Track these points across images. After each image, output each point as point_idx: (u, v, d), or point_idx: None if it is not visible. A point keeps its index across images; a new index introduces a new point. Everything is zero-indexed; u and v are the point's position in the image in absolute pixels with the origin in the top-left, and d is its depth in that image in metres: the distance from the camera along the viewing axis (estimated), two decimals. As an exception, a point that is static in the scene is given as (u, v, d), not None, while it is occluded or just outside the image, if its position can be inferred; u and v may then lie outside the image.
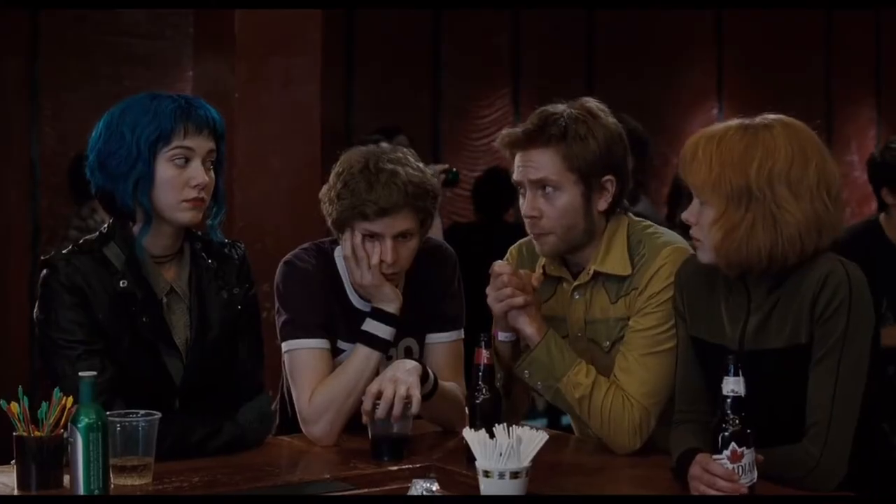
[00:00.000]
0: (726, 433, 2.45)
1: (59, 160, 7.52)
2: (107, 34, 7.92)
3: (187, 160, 2.87)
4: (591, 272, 3.06)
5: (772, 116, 2.77)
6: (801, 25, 11.20)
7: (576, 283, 3.09)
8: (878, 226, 4.93)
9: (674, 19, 10.37)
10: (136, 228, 2.92)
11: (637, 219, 3.16)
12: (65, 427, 2.57)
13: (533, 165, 3.01)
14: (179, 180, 2.87)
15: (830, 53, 11.74)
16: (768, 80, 10.53)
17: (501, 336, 3.04)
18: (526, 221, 3.06)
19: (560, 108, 3.04)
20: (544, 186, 3.01)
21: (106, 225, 2.98)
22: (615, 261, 3.05)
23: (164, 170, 2.87)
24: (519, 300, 2.96)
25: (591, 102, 3.07)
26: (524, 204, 3.05)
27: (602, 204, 3.04)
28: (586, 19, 10.20)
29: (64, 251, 2.93)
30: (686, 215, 2.77)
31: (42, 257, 2.97)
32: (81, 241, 2.96)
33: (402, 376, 2.94)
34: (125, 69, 7.95)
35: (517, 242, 3.28)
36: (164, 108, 2.87)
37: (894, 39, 12.02)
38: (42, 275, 2.89)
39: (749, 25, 10.94)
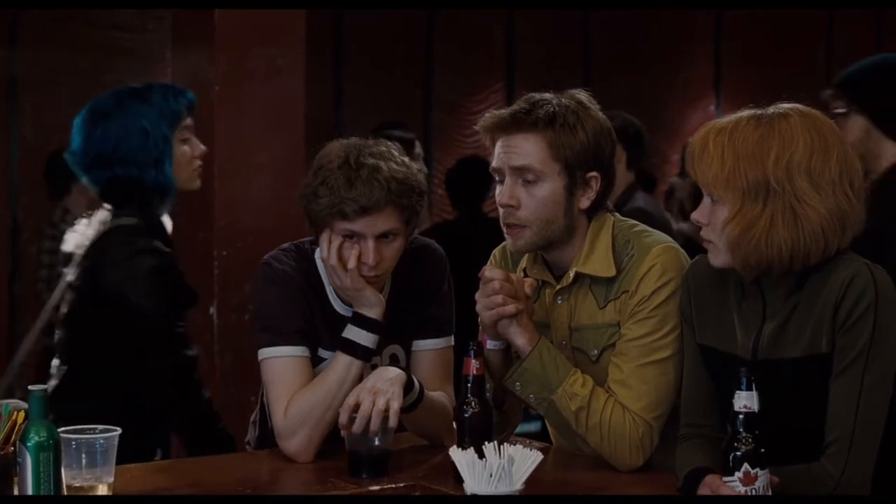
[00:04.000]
0: (738, 453, 2.24)
1: (39, 156, 7.31)
2: (87, 26, 7.74)
3: (187, 138, 3.50)
4: (573, 275, 2.86)
5: (786, 105, 2.55)
6: (801, 21, 11.16)
7: (558, 287, 2.89)
8: None
9: (672, 15, 10.26)
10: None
11: (623, 218, 2.96)
12: (14, 444, 2.37)
13: (516, 151, 2.82)
14: (190, 155, 3.52)
15: (831, 49, 11.70)
16: (767, 76, 10.40)
17: (490, 344, 2.83)
18: (501, 212, 2.86)
19: (548, 96, 2.86)
20: (526, 175, 2.81)
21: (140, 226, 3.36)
22: (598, 262, 2.85)
23: (178, 148, 3.47)
24: (510, 308, 2.75)
25: (582, 94, 2.89)
26: (501, 192, 2.84)
27: (584, 202, 2.85)
28: (583, 14, 10.08)
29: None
30: (696, 215, 2.56)
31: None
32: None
33: (383, 386, 2.73)
34: (106, 62, 7.78)
35: (501, 244, 3.08)
36: (167, 95, 3.44)
37: (895, 34, 12.00)
38: None
39: (749, 21, 10.89)
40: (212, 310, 4.66)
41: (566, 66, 9.77)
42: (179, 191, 3.53)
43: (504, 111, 2.85)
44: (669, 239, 2.88)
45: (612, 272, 2.83)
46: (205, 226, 4.68)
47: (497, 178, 2.86)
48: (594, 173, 2.86)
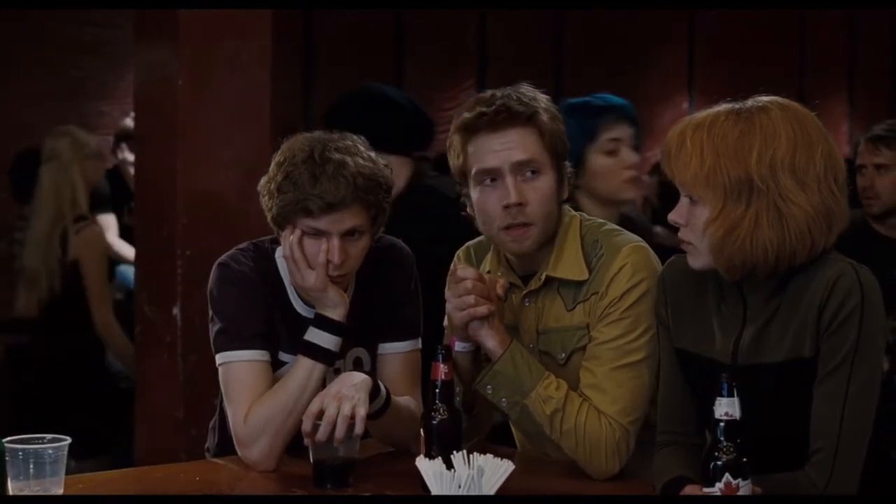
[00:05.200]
0: (719, 462, 2.13)
1: (3, 154, 7.15)
2: (53, 20, 7.58)
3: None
4: (543, 278, 2.75)
5: (765, 98, 2.44)
6: (774, 20, 11.12)
7: (527, 290, 2.78)
8: (863, 219, 4.64)
9: (645, 11, 10.19)
10: None
11: (590, 217, 2.86)
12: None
13: (515, 146, 2.70)
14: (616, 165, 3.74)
15: (803, 48, 11.69)
16: (740, 74, 10.36)
17: (458, 346, 2.71)
18: (504, 213, 2.70)
19: (507, 90, 2.74)
20: (527, 169, 2.70)
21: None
22: (569, 264, 2.74)
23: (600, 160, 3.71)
24: (483, 310, 2.64)
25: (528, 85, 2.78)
26: (505, 192, 2.69)
27: (564, 194, 2.77)
28: (555, 11, 10.00)
29: None
30: (674, 216, 2.44)
31: None
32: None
33: (348, 392, 2.61)
34: (73, 57, 7.64)
35: (465, 245, 2.98)
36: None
37: (867, 34, 12.04)
38: None
39: (722, 18, 10.84)
40: (175, 310, 4.54)
41: (538, 62, 9.69)
42: (612, 200, 3.68)
43: (490, 108, 2.70)
44: (639, 238, 2.78)
45: (584, 275, 2.73)
46: (167, 223, 4.56)
47: (488, 180, 2.72)
48: (568, 164, 2.79)
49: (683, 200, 2.42)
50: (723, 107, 2.43)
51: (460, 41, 9.63)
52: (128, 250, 6.64)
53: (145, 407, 4.75)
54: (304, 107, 8.67)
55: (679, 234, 2.44)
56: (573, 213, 2.83)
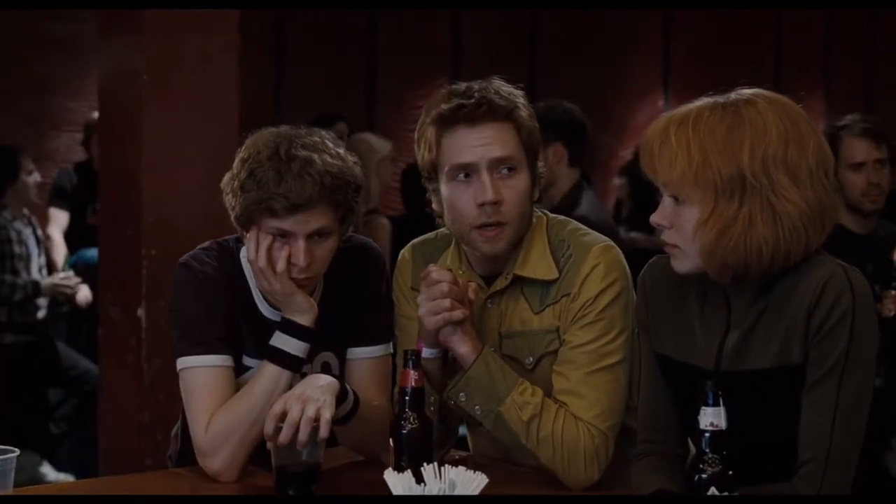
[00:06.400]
0: (704, 475, 2.02)
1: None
2: (18, 16, 7.45)
3: None
4: (511, 277, 2.64)
5: (748, 91, 2.32)
6: (750, 17, 11.07)
7: (491, 291, 2.66)
8: None
9: (620, 11, 10.14)
10: None
11: (554, 215, 2.75)
12: None
13: (493, 141, 2.58)
14: None
15: (780, 46, 11.67)
16: (716, 72, 10.27)
17: (426, 352, 2.59)
18: (478, 212, 2.58)
19: (483, 83, 2.63)
20: (504, 167, 2.59)
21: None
22: (537, 263, 2.63)
23: None
24: (458, 314, 2.53)
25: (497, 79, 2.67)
26: (480, 189, 2.57)
27: (536, 194, 2.66)
28: (530, 10, 9.94)
29: None
30: (657, 218, 2.32)
31: None
32: None
33: (313, 394, 2.48)
34: (38, 53, 7.52)
35: (410, 244, 2.86)
36: None
37: (844, 33, 12.06)
38: None
39: (697, 16, 10.79)
40: (140, 312, 4.45)
41: (512, 61, 9.61)
42: None
43: (463, 101, 2.58)
44: (607, 238, 2.67)
45: (553, 274, 2.62)
46: (132, 223, 4.46)
47: (461, 176, 2.60)
48: (541, 163, 2.69)
49: (667, 201, 2.30)
50: (706, 101, 2.32)
51: (433, 40, 9.54)
52: (60, 249, 6.62)
53: (109, 411, 4.66)
54: (274, 103, 8.56)
55: (663, 236, 2.32)
56: (538, 212, 2.72)
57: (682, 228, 2.27)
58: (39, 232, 6.49)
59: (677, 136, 2.25)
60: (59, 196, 6.97)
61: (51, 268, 6.58)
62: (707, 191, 2.22)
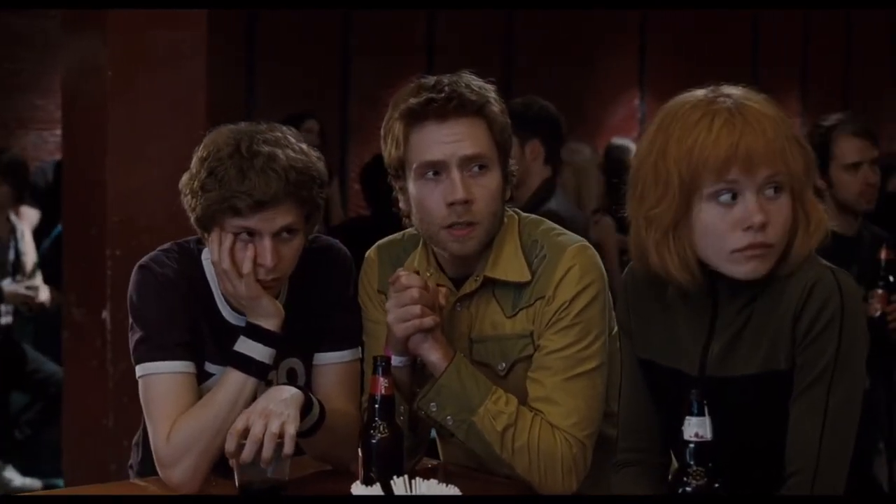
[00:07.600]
0: (689, 488, 1.93)
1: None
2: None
3: None
4: (481, 279, 2.53)
5: (729, 88, 2.20)
6: (726, 18, 11.04)
7: (460, 294, 2.56)
8: None
9: (596, 8, 10.10)
10: None
11: (526, 214, 2.64)
12: None
13: (464, 138, 2.47)
14: None
15: (756, 46, 11.65)
16: (692, 70, 10.22)
17: (395, 360, 2.48)
18: (448, 211, 2.48)
19: (453, 77, 2.52)
20: (475, 164, 2.49)
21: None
22: (509, 265, 2.52)
23: None
24: (429, 321, 2.43)
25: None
26: (450, 188, 2.47)
27: (508, 193, 2.56)
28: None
29: None
30: (753, 217, 2.11)
31: None
32: None
33: (276, 408, 2.37)
34: (5, 50, 7.43)
35: (375, 245, 2.76)
36: None
37: (821, 32, 12.05)
38: None
39: (674, 14, 10.75)
40: (104, 314, 4.34)
41: (487, 57, 9.54)
42: None
43: (433, 95, 2.48)
44: (581, 238, 2.57)
45: (526, 276, 2.51)
46: (96, 222, 4.35)
47: (430, 174, 2.50)
48: (513, 160, 2.58)
49: (749, 196, 2.12)
50: (696, 93, 2.19)
51: (408, 37, 9.47)
52: (30, 249, 6.49)
53: (73, 415, 4.56)
54: (245, 101, 8.46)
55: (755, 238, 2.13)
56: (510, 211, 2.62)
57: (777, 224, 2.13)
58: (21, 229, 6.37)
59: (770, 125, 2.14)
60: (31, 194, 6.86)
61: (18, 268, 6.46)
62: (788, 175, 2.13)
